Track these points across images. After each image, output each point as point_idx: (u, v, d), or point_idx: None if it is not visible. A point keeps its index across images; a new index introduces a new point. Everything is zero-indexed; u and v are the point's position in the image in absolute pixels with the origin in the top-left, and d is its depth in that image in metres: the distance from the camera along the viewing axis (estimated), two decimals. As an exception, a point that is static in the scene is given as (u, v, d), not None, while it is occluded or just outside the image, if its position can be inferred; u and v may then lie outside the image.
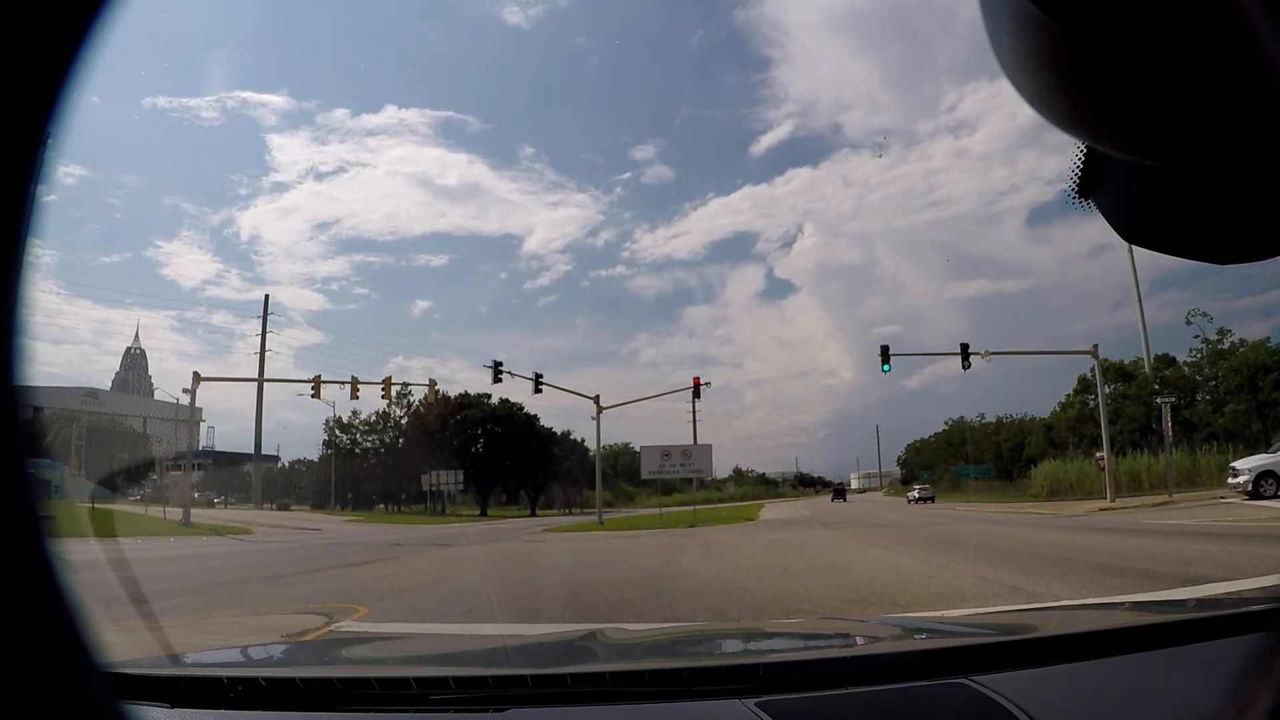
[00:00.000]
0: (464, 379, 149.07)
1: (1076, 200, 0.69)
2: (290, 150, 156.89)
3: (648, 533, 25.97)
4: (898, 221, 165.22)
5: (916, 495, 61.34)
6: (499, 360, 37.83)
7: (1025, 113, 0.53)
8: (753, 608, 7.70)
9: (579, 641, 2.99)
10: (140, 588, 9.04)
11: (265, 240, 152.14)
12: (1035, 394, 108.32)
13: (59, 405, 62.96)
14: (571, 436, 76.64)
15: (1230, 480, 25.07)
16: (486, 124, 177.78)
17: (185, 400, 41.93)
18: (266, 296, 64.19)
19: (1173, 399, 36.22)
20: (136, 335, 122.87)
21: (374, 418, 69.52)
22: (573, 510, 66.52)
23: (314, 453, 76.12)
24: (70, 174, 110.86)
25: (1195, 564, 9.16)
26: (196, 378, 37.84)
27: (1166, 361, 46.23)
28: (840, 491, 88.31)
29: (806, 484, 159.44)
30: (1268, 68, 0.36)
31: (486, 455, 66.87)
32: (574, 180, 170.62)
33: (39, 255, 0.44)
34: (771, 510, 54.00)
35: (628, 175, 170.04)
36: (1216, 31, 0.44)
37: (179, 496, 36.99)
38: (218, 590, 10.79)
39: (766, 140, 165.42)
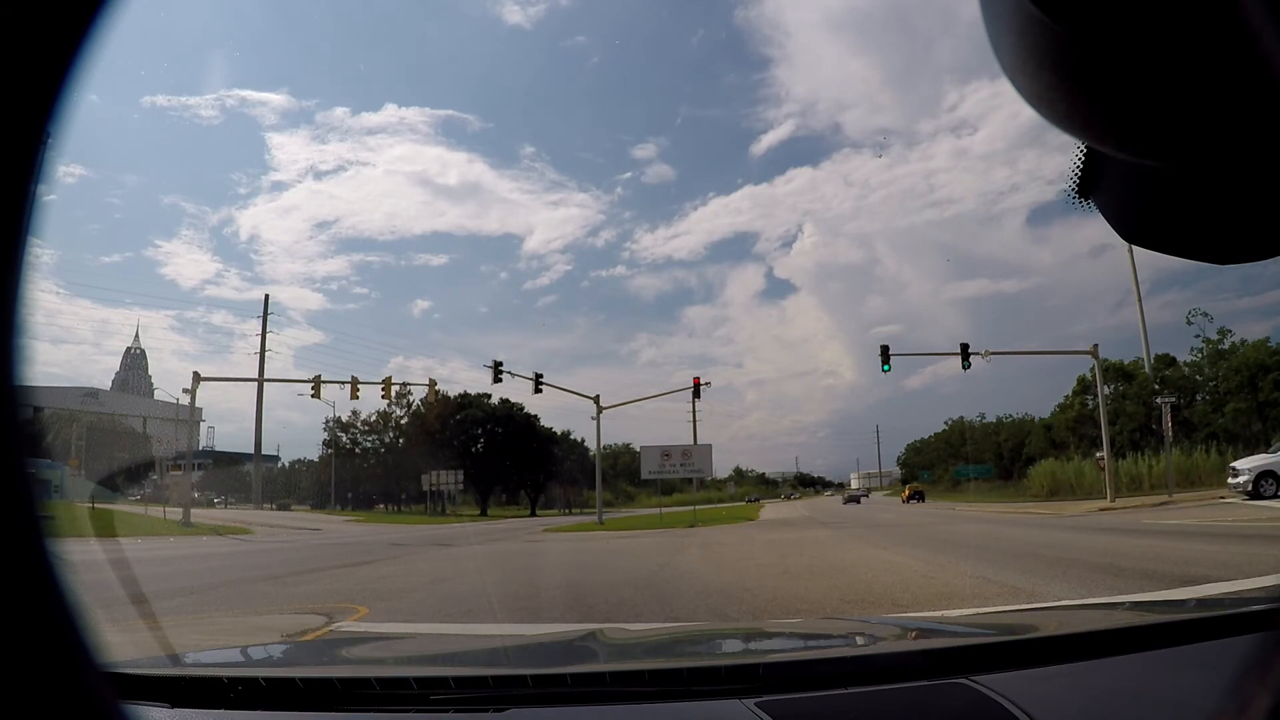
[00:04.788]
0: (464, 379, 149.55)
1: (1077, 200, 0.69)
2: (290, 149, 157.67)
3: (648, 533, 25.96)
4: (898, 221, 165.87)
5: (848, 496, 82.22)
6: (499, 360, 37.89)
7: (1026, 112, 0.53)
8: (753, 608, 7.69)
9: (579, 641, 2.99)
10: (140, 588, 9.04)
11: (265, 239, 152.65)
12: (1035, 394, 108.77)
13: (59, 405, 62.93)
14: (571, 436, 76.81)
15: (1230, 480, 25.07)
16: (486, 123, 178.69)
17: (185, 400, 41.96)
18: (266, 296, 64.21)
19: (1173, 399, 36.20)
20: (136, 335, 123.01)
21: (374, 418, 69.66)
22: (573, 510, 66.53)
23: (314, 453, 76.32)
24: (70, 174, 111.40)
25: (1195, 564, 9.16)
26: (196, 378, 37.84)
27: (1167, 361, 46.21)
28: (854, 497, 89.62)
29: (807, 484, 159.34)
30: (1268, 68, 0.36)
31: (486, 455, 66.90)
32: (574, 180, 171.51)
33: (39, 255, 0.44)
34: (771, 510, 54.04)
35: (628, 175, 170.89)
36: (1216, 31, 0.44)
37: (179, 496, 36.99)
38: (218, 590, 10.79)
39: (767, 140, 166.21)
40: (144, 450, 68.78)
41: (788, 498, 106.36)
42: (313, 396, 40.57)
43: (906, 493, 67.18)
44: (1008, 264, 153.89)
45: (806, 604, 7.89)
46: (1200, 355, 43.98)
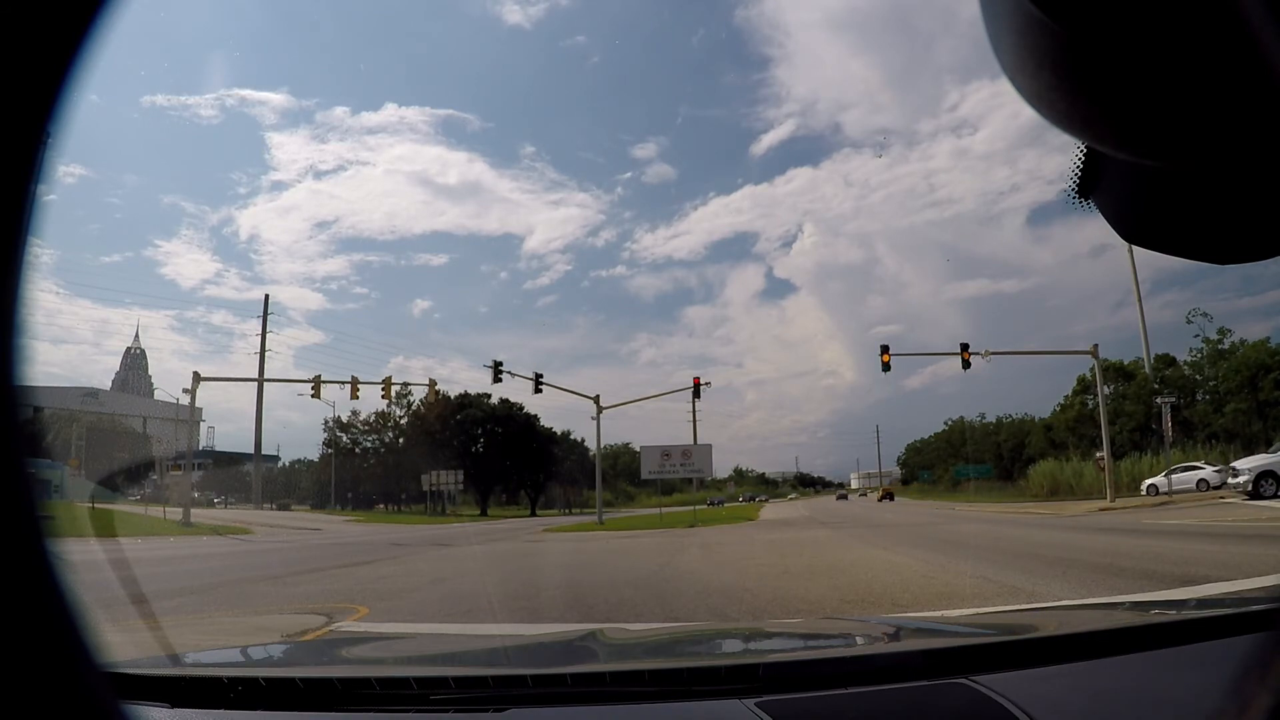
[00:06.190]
0: (464, 379, 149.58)
1: (1077, 200, 0.69)
2: (290, 148, 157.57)
3: (648, 533, 25.97)
4: (898, 221, 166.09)
5: (838, 495, 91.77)
6: (499, 360, 37.87)
7: (1026, 112, 0.53)
8: (753, 608, 7.69)
9: (579, 641, 2.99)
10: (140, 588, 9.03)
11: (265, 239, 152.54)
12: (1035, 394, 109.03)
13: (59, 405, 62.91)
14: (571, 436, 76.84)
15: (1230, 480, 25.11)
16: (487, 122, 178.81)
17: (185, 400, 41.96)
18: (266, 296, 64.21)
19: (1173, 399, 36.29)
20: (136, 335, 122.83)
21: (374, 418, 69.62)
22: (573, 510, 66.55)
23: (314, 453, 76.32)
24: (70, 174, 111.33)
25: (1195, 564, 9.16)
26: (196, 378, 37.84)
27: (1167, 361, 46.23)
28: (843, 495, 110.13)
29: (807, 484, 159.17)
30: (1268, 68, 0.36)
31: (486, 455, 66.89)
32: (575, 179, 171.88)
33: (39, 255, 0.44)
34: (771, 510, 54.01)
35: (629, 174, 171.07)
36: (1216, 31, 0.44)
37: (179, 496, 37.00)
38: (218, 590, 10.79)
39: (767, 140, 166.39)
40: (144, 450, 68.75)
41: (748, 499, 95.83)
42: (313, 396, 40.60)
43: (881, 493, 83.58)
44: (1008, 264, 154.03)
45: (806, 604, 7.89)
46: (1200, 355, 44.03)
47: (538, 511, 67.10)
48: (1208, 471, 31.60)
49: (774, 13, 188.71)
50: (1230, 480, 25.12)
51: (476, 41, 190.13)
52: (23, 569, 0.42)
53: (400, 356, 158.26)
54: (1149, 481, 34.21)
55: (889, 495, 79.15)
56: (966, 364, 34.47)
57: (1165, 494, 30.37)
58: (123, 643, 3.34)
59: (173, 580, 11.77)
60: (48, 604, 0.42)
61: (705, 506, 57.77)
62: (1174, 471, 32.55)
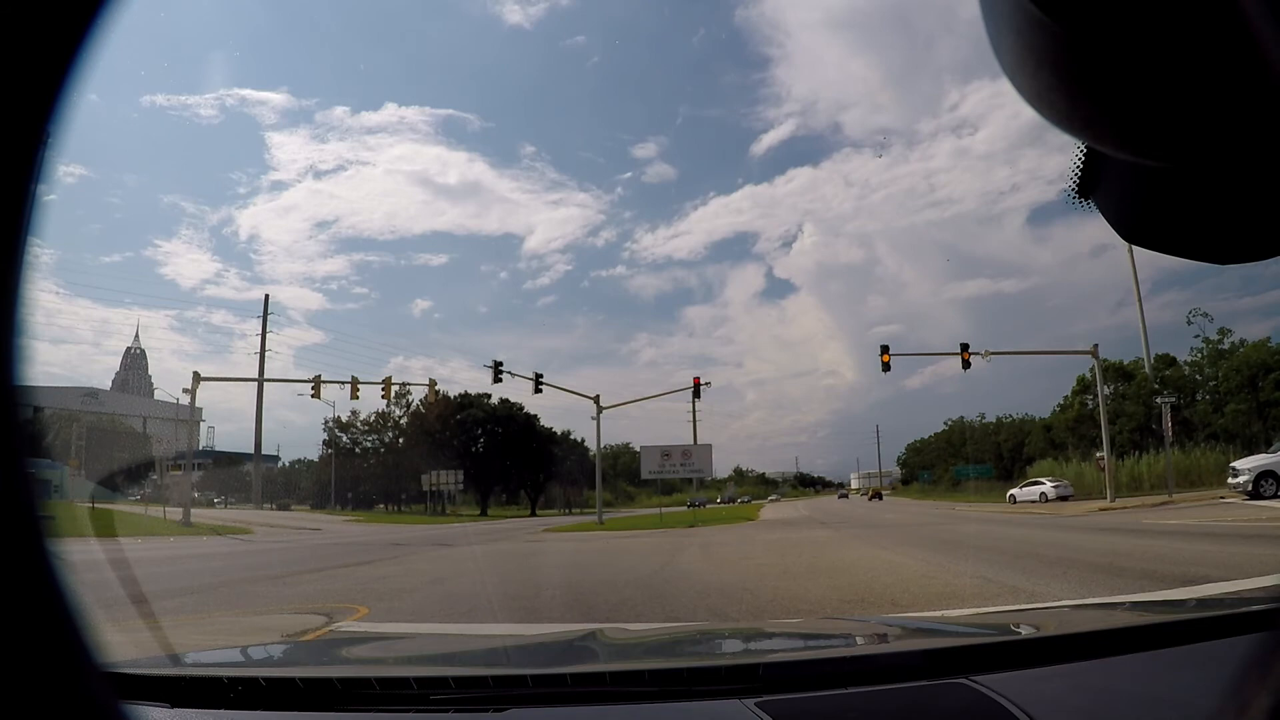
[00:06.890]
0: (464, 379, 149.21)
1: (1077, 200, 0.69)
2: (289, 148, 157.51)
3: (648, 533, 25.97)
4: (898, 221, 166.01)
5: (839, 494, 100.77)
6: (499, 360, 37.89)
7: (1026, 112, 0.53)
8: (753, 608, 7.69)
9: (579, 641, 2.99)
10: (140, 588, 9.04)
11: (265, 239, 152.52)
12: (1035, 394, 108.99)
13: (59, 405, 62.87)
14: (571, 436, 76.82)
15: (1230, 480, 25.12)
16: (487, 122, 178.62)
17: (185, 400, 41.92)
18: (266, 296, 64.20)
19: (1173, 399, 36.30)
20: (136, 335, 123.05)
21: (374, 418, 69.63)
22: (573, 510, 66.54)
23: (314, 453, 76.36)
24: (70, 174, 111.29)
25: (1195, 564, 9.16)
26: (196, 378, 37.84)
27: (1167, 361, 46.19)
28: (844, 494, 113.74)
29: (807, 484, 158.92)
30: (1268, 68, 0.36)
31: (486, 455, 66.91)
32: (575, 179, 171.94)
33: (39, 255, 0.44)
34: (771, 510, 54.01)
35: (629, 174, 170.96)
36: (1216, 31, 0.44)
37: (179, 496, 37.01)
38: (218, 590, 10.79)
39: (767, 139, 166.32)
40: (144, 450, 68.75)
41: (728, 500, 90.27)
42: (313, 396, 40.59)
43: (870, 494, 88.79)
44: (1008, 264, 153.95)
45: (806, 604, 7.89)
46: (1200, 355, 44.00)
47: (538, 511, 67.11)
48: (1047, 486, 39.32)
49: (774, 12, 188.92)
50: (1230, 480, 25.13)
51: (476, 41, 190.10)
52: (23, 569, 0.42)
53: (400, 356, 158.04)
54: (1011, 492, 42.07)
55: (877, 495, 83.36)
56: (966, 364, 34.49)
57: (1016, 503, 38.53)
58: (123, 643, 3.34)
59: (173, 580, 11.77)
60: (48, 604, 0.42)
61: (690, 508, 48.57)
62: (1026, 485, 41.45)
